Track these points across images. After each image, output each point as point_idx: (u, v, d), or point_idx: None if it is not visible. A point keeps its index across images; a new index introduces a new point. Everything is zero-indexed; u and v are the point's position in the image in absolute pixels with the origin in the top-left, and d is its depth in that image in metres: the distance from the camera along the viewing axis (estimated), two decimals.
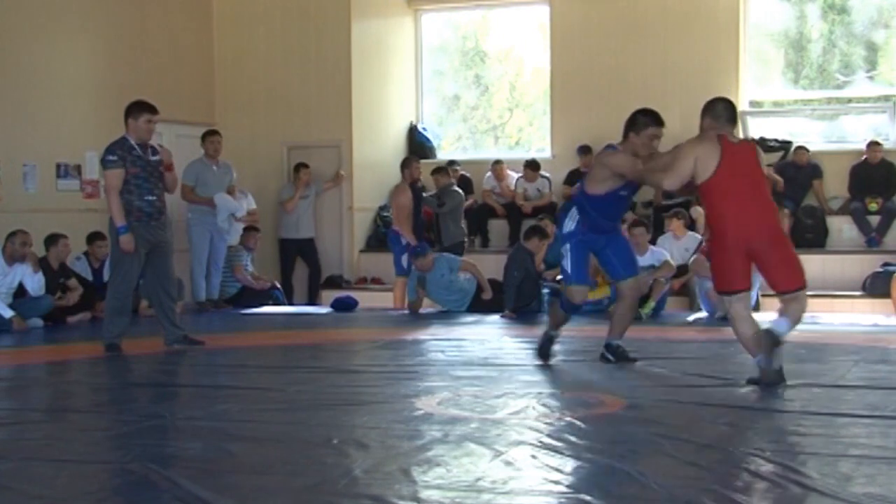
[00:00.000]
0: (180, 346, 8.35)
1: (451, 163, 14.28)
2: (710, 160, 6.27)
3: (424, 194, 12.71)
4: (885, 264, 12.06)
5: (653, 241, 11.50)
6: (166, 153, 8.41)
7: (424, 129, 15.54)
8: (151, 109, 8.26)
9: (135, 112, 8.23)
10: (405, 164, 12.56)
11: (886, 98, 13.93)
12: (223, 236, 12.02)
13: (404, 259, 12.06)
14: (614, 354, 7.15)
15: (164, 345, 8.39)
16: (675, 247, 11.52)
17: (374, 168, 14.47)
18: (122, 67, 12.99)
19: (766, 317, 10.63)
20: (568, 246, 7.13)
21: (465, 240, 12.92)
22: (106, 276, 10.14)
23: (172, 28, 14.05)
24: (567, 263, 7.11)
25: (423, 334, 9.41)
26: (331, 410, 5.58)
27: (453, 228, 12.72)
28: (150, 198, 8.21)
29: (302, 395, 6.09)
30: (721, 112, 6.53)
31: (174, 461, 4.41)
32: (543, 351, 7.32)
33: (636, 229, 10.88)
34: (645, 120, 6.83)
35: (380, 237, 14.21)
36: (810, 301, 11.71)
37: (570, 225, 7.10)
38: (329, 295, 13.27)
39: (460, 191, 13.05)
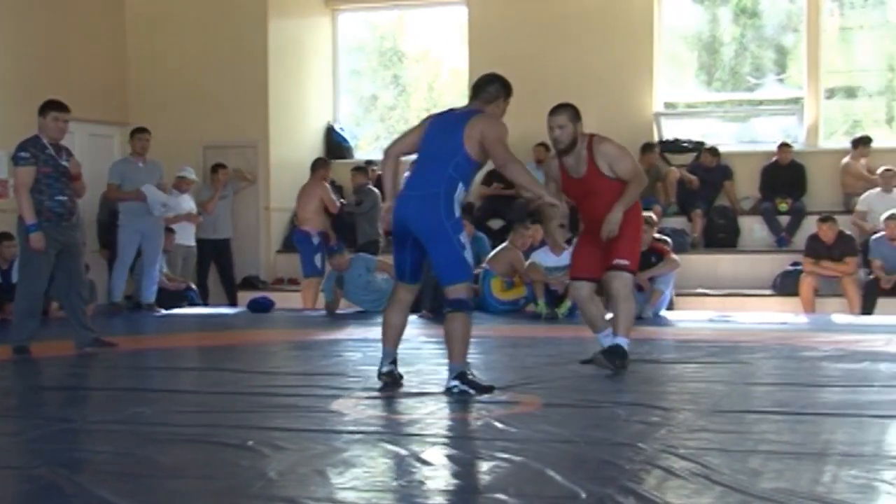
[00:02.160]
0: (92, 349, 8.22)
1: (369, 163, 14.25)
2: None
3: (343, 200, 12.74)
4: (795, 263, 12.28)
5: (569, 241, 11.57)
6: (74, 164, 8.28)
7: (341, 129, 15.50)
8: (60, 107, 8.15)
9: (45, 110, 8.14)
10: (317, 165, 12.55)
11: (795, 101, 14.20)
12: (156, 238, 11.75)
13: (317, 259, 12.05)
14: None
15: (75, 348, 8.26)
16: None
17: (290, 168, 14.39)
18: (32, 66, 12.75)
19: (680, 315, 10.82)
20: (465, 233, 6.16)
21: (380, 239, 12.91)
22: (14, 277, 9.93)
23: (84, 26, 13.84)
24: (470, 255, 6.11)
25: (340, 335, 9.38)
26: (246, 412, 5.53)
27: (368, 228, 12.73)
28: (61, 198, 8.08)
29: (216, 398, 6.03)
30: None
31: (84, 466, 4.33)
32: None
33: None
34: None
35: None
36: (723, 300, 12.11)
37: (457, 209, 6.07)
38: (245, 296, 13.16)
39: (377, 191, 13.02)
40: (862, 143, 13.31)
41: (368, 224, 12.82)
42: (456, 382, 5.96)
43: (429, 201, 5.95)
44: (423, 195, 5.98)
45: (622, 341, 6.76)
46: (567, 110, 6.69)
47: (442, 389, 6.04)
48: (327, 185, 12.48)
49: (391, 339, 6.26)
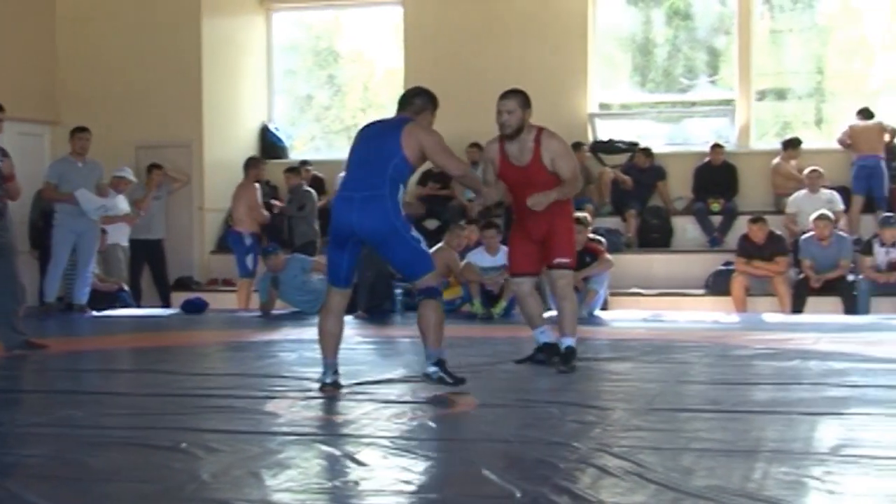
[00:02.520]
0: (22, 352, 8.08)
1: (304, 163, 14.20)
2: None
3: (277, 202, 12.70)
4: (727, 263, 12.43)
5: (504, 241, 11.61)
6: (8, 165, 8.13)
7: (276, 128, 15.43)
8: None
9: None
10: (250, 165, 12.48)
11: (727, 102, 14.37)
12: (92, 240, 11.59)
13: (249, 260, 12.00)
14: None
15: (5, 350, 8.11)
16: None
17: (225, 168, 14.27)
18: None
19: (614, 315, 10.90)
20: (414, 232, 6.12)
21: (317, 240, 12.87)
22: None
23: (13, 23, 13.64)
24: (425, 244, 6.12)
25: (275, 335, 9.33)
26: (179, 414, 5.47)
27: (305, 228, 12.68)
28: None
29: (149, 400, 5.97)
30: None
31: (14, 470, 4.27)
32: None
33: (488, 231, 10.99)
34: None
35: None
36: (656, 299, 12.22)
37: (402, 209, 6.02)
38: (179, 297, 13.04)
39: (313, 191, 12.99)
40: (791, 144, 13.51)
41: (306, 224, 12.77)
42: (435, 368, 5.96)
43: (376, 203, 5.92)
44: (368, 196, 5.93)
45: (572, 341, 6.86)
46: (517, 96, 6.77)
47: (380, 390, 6.04)
48: (258, 190, 12.35)
49: (331, 349, 6.17)
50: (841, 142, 13.32)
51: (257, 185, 12.38)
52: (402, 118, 6.21)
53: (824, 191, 12.68)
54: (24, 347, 8.11)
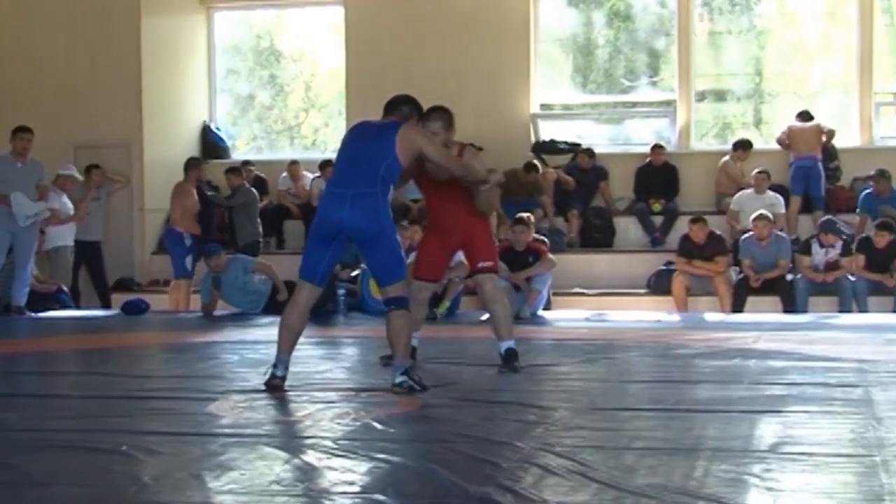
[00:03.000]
0: None
1: (246, 163, 14.12)
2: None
3: (209, 193, 12.59)
4: (668, 263, 12.53)
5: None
6: None
7: (218, 128, 15.32)
8: None
9: None
10: (190, 165, 12.39)
11: (668, 103, 14.49)
12: (29, 241, 11.39)
13: (189, 260, 11.91)
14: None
15: None
16: None
17: (165, 168, 14.13)
18: None
19: (557, 315, 10.95)
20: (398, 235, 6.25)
21: (260, 240, 12.80)
22: None
23: None
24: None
25: (217, 337, 9.26)
26: (119, 417, 5.41)
27: (248, 228, 12.60)
28: None
29: (89, 402, 5.90)
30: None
31: None
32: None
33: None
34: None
35: None
36: (599, 299, 12.29)
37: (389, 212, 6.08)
38: (119, 298, 12.89)
39: (255, 191, 12.92)
40: (742, 146, 13.64)
41: (249, 224, 12.69)
42: (404, 378, 5.93)
43: (367, 201, 5.91)
44: (360, 194, 5.92)
45: (511, 343, 6.85)
46: (442, 118, 6.61)
47: (322, 391, 6.03)
48: (193, 191, 12.28)
49: (288, 345, 6.11)
50: (780, 142, 13.50)
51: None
52: (397, 122, 6.19)
53: (769, 192, 12.82)
54: None
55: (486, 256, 6.86)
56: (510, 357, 6.82)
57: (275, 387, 6.02)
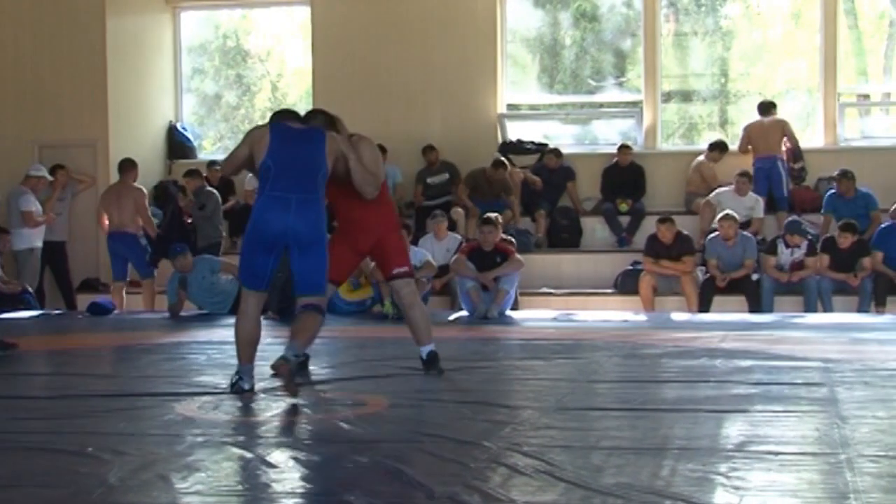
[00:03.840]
0: None
1: (212, 163, 14.05)
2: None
3: (182, 204, 12.59)
4: (635, 263, 12.57)
5: (414, 242, 11.63)
6: None
7: (184, 128, 15.24)
8: None
9: None
10: (126, 167, 12.42)
11: (634, 104, 14.55)
12: None
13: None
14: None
15: None
16: (437, 247, 11.72)
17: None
18: None
19: (524, 315, 10.97)
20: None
21: (221, 240, 12.73)
22: None
23: None
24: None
25: (184, 337, 9.23)
26: (85, 418, 5.37)
27: (209, 229, 12.52)
28: None
29: (54, 403, 5.87)
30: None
31: None
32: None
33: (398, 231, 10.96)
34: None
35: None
36: (566, 299, 12.33)
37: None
38: (85, 298, 12.81)
39: (216, 192, 12.85)
40: (718, 147, 13.67)
41: (209, 225, 12.63)
42: (295, 357, 5.80)
43: (311, 206, 5.89)
44: (303, 200, 5.87)
45: (431, 347, 6.72)
46: (324, 121, 6.36)
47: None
48: (145, 197, 12.34)
49: (248, 355, 6.04)
50: (740, 149, 13.51)
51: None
52: (319, 127, 6.15)
53: (751, 194, 12.85)
54: None
55: (400, 262, 6.75)
56: (432, 360, 6.68)
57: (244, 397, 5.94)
